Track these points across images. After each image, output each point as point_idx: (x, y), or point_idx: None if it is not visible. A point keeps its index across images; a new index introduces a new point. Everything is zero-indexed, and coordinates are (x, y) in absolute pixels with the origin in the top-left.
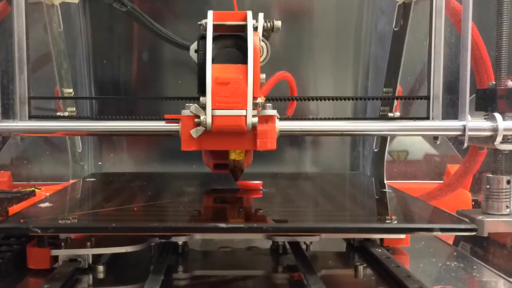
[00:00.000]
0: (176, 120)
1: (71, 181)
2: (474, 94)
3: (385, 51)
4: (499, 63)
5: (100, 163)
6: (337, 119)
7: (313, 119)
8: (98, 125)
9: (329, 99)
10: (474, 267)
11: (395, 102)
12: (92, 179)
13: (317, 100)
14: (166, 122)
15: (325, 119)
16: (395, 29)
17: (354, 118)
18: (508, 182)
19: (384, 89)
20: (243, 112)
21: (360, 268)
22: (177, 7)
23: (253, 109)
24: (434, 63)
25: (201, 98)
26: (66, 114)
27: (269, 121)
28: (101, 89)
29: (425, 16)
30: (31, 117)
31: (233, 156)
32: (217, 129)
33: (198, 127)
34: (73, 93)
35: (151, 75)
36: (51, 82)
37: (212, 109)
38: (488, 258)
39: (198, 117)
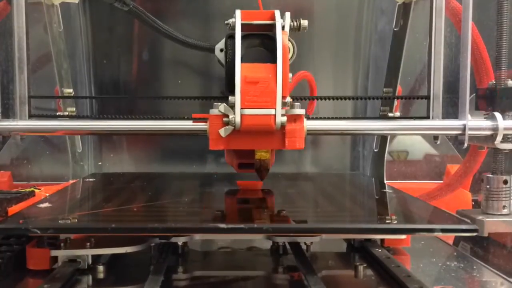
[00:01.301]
0: (203, 120)
1: (71, 181)
2: (474, 94)
3: (385, 51)
4: (499, 63)
5: (100, 163)
6: (337, 118)
7: (316, 118)
8: (103, 124)
9: (329, 99)
10: (474, 267)
11: (395, 102)
12: (92, 179)
13: (317, 99)
14: (194, 122)
15: (325, 118)
16: (395, 29)
17: (355, 117)
18: (506, 182)
19: (384, 89)
20: (272, 111)
21: (360, 268)
22: (178, 6)
23: (281, 108)
24: (434, 63)
25: (230, 98)
26: (66, 114)
27: (298, 120)
28: (101, 89)
29: (425, 16)
30: (31, 116)
31: (259, 155)
32: (246, 129)
33: (227, 126)
34: (73, 93)
35: (151, 75)
36: (51, 82)
37: (241, 108)
38: (488, 258)
39: (227, 116)
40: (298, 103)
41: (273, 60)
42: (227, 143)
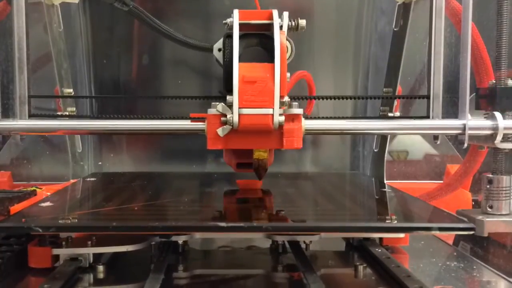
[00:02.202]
0: (201, 119)
1: (72, 181)
2: (474, 94)
3: (385, 51)
4: (499, 63)
5: (100, 163)
6: (336, 118)
7: (315, 118)
8: (103, 124)
9: (329, 98)
10: (474, 267)
11: (395, 102)
12: (93, 179)
13: (317, 99)
14: (192, 121)
15: (324, 118)
16: (395, 29)
17: (355, 117)
18: (502, 182)
19: (384, 89)
20: (270, 111)
21: (360, 267)
22: (178, 6)
23: (279, 107)
24: (434, 63)
25: (228, 97)
26: (66, 114)
27: (295, 120)
28: (101, 89)
29: (425, 16)
30: (31, 116)
31: (257, 155)
32: (244, 128)
33: (225, 126)
34: (73, 93)
35: (151, 75)
36: (51, 82)
37: (239, 108)
38: (488, 258)
39: (225, 115)
40: (296, 103)
41: (271, 60)
42: (225, 142)
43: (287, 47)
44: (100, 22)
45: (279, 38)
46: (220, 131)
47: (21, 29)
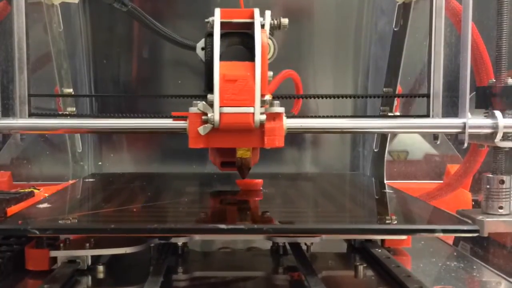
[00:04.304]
0: (183, 118)
1: (71, 181)
2: (474, 92)
3: (385, 51)
4: (499, 63)
5: (100, 163)
6: (338, 117)
7: (315, 117)
8: (100, 122)
9: (329, 97)
10: (474, 267)
11: (395, 102)
12: (92, 180)
13: (317, 98)
14: (173, 120)
15: (326, 117)
16: (395, 29)
17: (356, 116)
18: (502, 182)
19: (384, 89)
20: (251, 110)
21: (360, 268)
22: (178, 7)
23: (261, 106)
24: (434, 63)
25: (209, 96)
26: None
27: (277, 119)
28: (101, 89)
29: (425, 16)
30: (31, 115)
31: (240, 153)
32: (225, 127)
33: (206, 125)
34: (73, 93)
35: (151, 75)
36: (51, 82)
37: (220, 107)
38: (488, 258)
39: (206, 114)
40: (278, 101)
41: (252, 59)
42: (206, 141)
43: (269, 45)
44: (100, 22)
45: (260, 37)
46: (201, 130)
47: (21, 29)
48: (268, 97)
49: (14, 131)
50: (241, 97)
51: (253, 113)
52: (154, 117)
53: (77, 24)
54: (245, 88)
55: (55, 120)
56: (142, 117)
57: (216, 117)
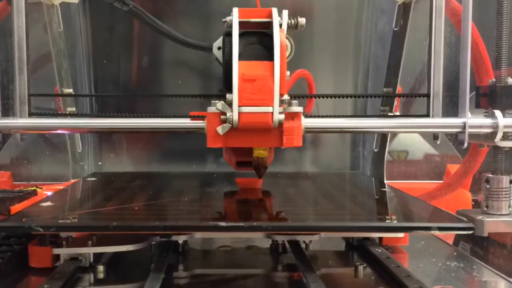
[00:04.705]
0: (201, 117)
1: (72, 181)
2: (474, 92)
3: (385, 51)
4: (499, 62)
5: (100, 163)
6: (336, 116)
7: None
8: (100, 122)
9: (329, 97)
10: (474, 267)
11: (395, 102)
12: (93, 179)
13: (317, 98)
14: (191, 119)
15: (326, 116)
16: (395, 29)
17: (355, 115)
18: (502, 181)
19: (384, 89)
20: (269, 109)
21: (360, 267)
22: (178, 6)
23: (279, 106)
24: (434, 63)
25: (228, 95)
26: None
27: (295, 118)
28: (101, 89)
29: (425, 16)
30: (31, 114)
31: (257, 153)
32: (243, 126)
33: (225, 124)
34: (73, 93)
35: (151, 75)
36: (51, 82)
37: (239, 106)
38: (488, 258)
39: (224, 114)
40: (296, 101)
41: (271, 58)
42: (224, 141)
43: (286, 45)
44: (100, 22)
45: (279, 36)
46: (220, 130)
47: (21, 29)
48: (286, 96)
49: (14, 131)
50: (260, 96)
51: (272, 113)
52: (172, 116)
53: (77, 24)
54: (264, 88)
55: (55, 120)
56: (161, 116)
57: (235, 117)
